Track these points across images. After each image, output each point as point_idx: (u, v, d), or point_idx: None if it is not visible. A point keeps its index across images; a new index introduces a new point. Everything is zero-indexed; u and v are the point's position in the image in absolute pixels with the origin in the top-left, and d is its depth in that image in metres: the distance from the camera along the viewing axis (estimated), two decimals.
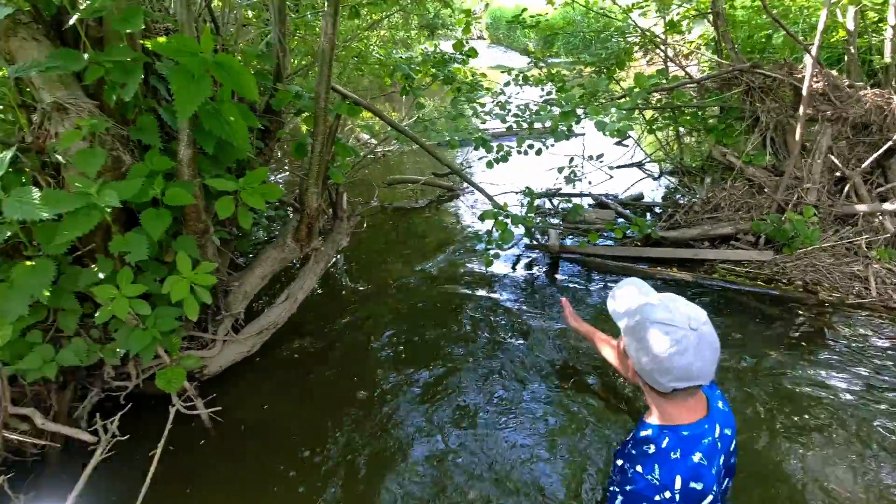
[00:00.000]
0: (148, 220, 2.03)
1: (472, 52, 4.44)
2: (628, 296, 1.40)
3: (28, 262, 1.86)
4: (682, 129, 5.35)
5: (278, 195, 2.53)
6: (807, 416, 2.45)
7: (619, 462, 1.35)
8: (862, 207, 3.84)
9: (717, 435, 1.32)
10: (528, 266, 4.10)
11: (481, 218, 3.46)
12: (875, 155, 3.92)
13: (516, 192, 5.17)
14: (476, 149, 3.87)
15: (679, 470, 1.23)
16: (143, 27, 1.95)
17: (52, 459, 2.27)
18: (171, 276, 2.15)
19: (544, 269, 4.03)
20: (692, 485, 1.22)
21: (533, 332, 3.18)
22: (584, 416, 2.51)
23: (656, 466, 1.24)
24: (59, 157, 1.95)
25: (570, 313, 2.14)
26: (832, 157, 4.03)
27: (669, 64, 5.39)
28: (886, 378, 2.68)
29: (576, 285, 3.77)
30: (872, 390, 2.60)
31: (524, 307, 3.48)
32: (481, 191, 3.65)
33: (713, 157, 4.64)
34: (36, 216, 1.57)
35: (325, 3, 2.45)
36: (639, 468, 1.26)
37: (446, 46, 4.52)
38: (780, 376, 2.71)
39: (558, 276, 3.91)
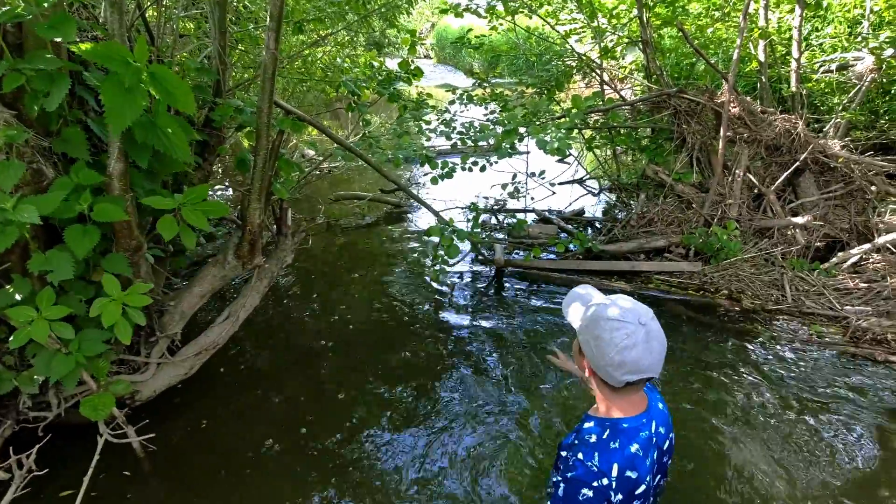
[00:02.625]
0: (73, 236, 1.91)
1: (418, 73, 4.51)
2: (581, 298, 1.49)
3: None
4: (618, 148, 5.64)
5: (223, 213, 2.46)
6: (733, 414, 2.61)
7: (563, 453, 1.44)
8: (776, 222, 4.18)
9: (653, 430, 1.43)
10: (475, 280, 4.16)
11: (427, 234, 3.49)
12: (786, 174, 4.29)
13: (462, 208, 5.26)
14: (421, 165, 3.92)
15: (616, 458, 1.32)
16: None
17: None
18: (100, 298, 2.03)
19: (491, 283, 4.10)
20: (628, 473, 1.32)
21: (481, 342, 3.22)
22: (526, 419, 2.56)
23: (596, 454, 1.33)
24: None
25: (562, 362, 2.03)
26: (750, 176, 4.37)
27: (605, 87, 5.70)
28: (804, 377, 2.91)
29: (521, 297, 3.85)
30: (791, 389, 2.81)
31: (472, 320, 3.52)
32: (427, 206, 3.69)
33: (647, 174, 4.92)
34: None
35: (268, 17, 2.43)
36: (580, 455, 1.35)
37: (393, 65, 4.57)
38: (709, 378, 2.88)
39: (504, 289, 3.99)
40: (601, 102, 4.82)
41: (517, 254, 4.50)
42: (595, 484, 1.31)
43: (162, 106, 2.07)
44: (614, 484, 1.30)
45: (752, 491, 2.18)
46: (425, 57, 27.38)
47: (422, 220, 5.41)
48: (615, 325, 1.32)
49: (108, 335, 2.09)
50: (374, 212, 5.56)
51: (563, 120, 4.28)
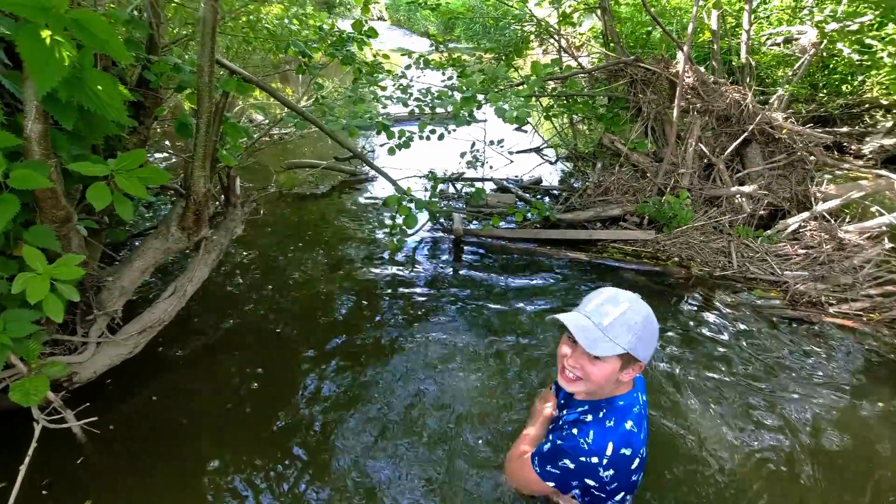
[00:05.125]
0: None
1: (372, 33, 4.30)
2: (613, 309, 1.34)
3: None
4: (575, 117, 5.65)
5: (162, 180, 2.27)
6: (680, 377, 2.72)
7: (558, 426, 1.45)
8: (725, 191, 4.33)
9: (640, 401, 1.46)
10: (433, 250, 4.11)
11: (385, 203, 3.40)
12: (735, 144, 4.43)
13: (420, 177, 5.16)
14: (378, 133, 3.78)
15: (611, 437, 1.35)
16: None
17: None
18: (24, 272, 1.84)
19: (449, 253, 4.07)
20: (622, 451, 1.35)
21: (440, 312, 3.21)
22: (487, 383, 2.57)
23: (591, 433, 1.36)
24: None
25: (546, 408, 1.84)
26: (701, 146, 4.48)
27: (563, 54, 5.65)
28: (748, 341, 3.06)
29: (480, 267, 3.85)
30: (738, 351, 2.95)
31: (431, 290, 3.49)
32: (384, 175, 3.58)
33: (603, 143, 4.96)
34: None
35: None
36: (575, 431, 1.38)
37: (345, 26, 4.33)
38: (663, 344, 2.98)
39: (463, 259, 3.98)
40: (559, 70, 4.78)
41: (475, 223, 4.47)
42: (582, 459, 1.34)
43: (87, 59, 1.86)
44: (605, 461, 1.33)
45: (697, 456, 2.29)
46: (378, 19, 26.42)
47: (378, 189, 5.28)
48: (651, 311, 1.36)
49: (36, 314, 1.92)
50: (329, 181, 5.38)
51: (521, 87, 4.21)
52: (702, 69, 4.68)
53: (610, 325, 1.29)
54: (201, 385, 2.64)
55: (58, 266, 1.91)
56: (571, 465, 1.35)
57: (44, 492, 2.06)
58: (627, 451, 1.36)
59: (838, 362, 2.89)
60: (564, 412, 1.53)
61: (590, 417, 1.41)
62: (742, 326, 3.19)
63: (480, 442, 2.27)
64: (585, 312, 1.33)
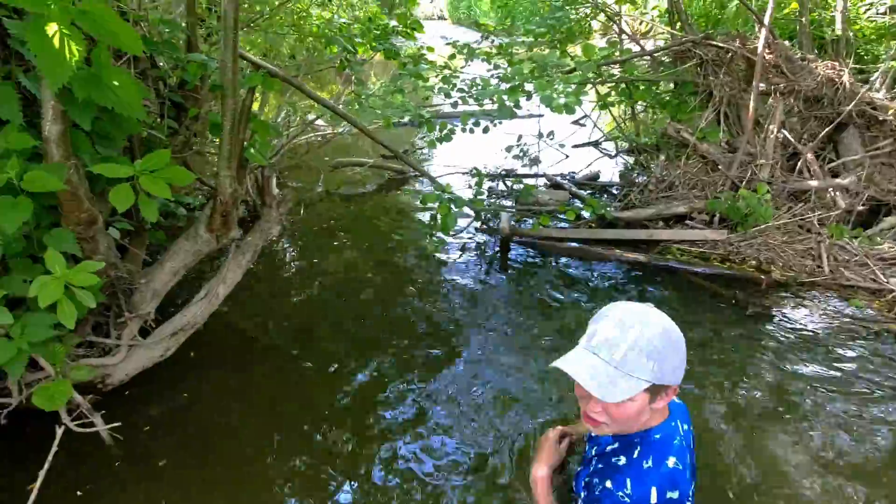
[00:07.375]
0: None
1: (417, 25, 4.14)
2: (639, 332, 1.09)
3: None
4: (637, 106, 5.20)
5: (189, 180, 2.21)
6: (761, 400, 2.33)
7: (587, 480, 1.24)
8: (814, 183, 3.77)
9: (681, 432, 1.20)
10: (479, 251, 3.88)
11: (423, 202, 3.21)
12: (827, 129, 3.85)
13: (464, 174, 4.93)
14: (420, 127, 3.61)
15: (653, 481, 1.12)
16: None
17: None
18: (42, 276, 1.82)
19: (495, 254, 3.82)
20: (669, 495, 1.12)
21: (483, 319, 2.98)
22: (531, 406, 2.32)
23: (628, 481, 1.14)
24: None
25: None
26: (785, 132, 3.94)
27: (624, 37, 5.22)
28: (840, 359, 2.60)
29: (528, 270, 3.58)
30: (824, 371, 2.51)
31: (473, 293, 3.27)
32: (421, 171, 3.40)
33: (668, 133, 4.51)
34: None
35: None
36: (608, 484, 1.16)
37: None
38: (733, 359, 2.59)
39: (509, 261, 3.72)
40: (618, 54, 4.39)
41: (528, 221, 4.19)
42: None
43: (103, 55, 1.80)
44: None
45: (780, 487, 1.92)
46: (439, 18, 26.45)
47: (427, 187, 5.11)
48: (668, 320, 1.12)
49: (55, 319, 1.90)
50: (375, 179, 5.28)
51: (573, 74, 3.88)
52: (786, 43, 4.12)
53: (623, 358, 1.06)
54: (238, 385, 2.58)
55: (75, 271, 1.87)
56: None
57: (78, 493, 2.05)
58: (675, 495, 1.12)
59: None
60: (595, 448, 1.28)
61: (623, 460, 1.16)
62: (833, 342, 2.71)
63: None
64: (591, 348, 1.11)
